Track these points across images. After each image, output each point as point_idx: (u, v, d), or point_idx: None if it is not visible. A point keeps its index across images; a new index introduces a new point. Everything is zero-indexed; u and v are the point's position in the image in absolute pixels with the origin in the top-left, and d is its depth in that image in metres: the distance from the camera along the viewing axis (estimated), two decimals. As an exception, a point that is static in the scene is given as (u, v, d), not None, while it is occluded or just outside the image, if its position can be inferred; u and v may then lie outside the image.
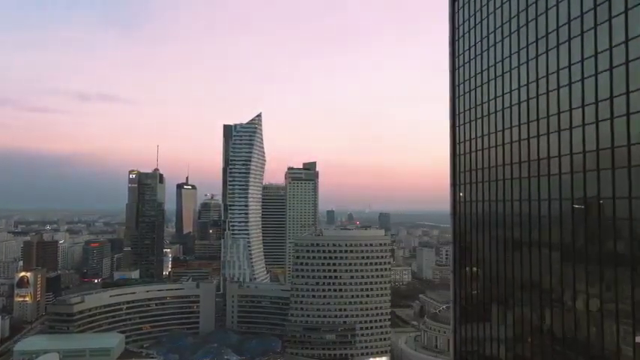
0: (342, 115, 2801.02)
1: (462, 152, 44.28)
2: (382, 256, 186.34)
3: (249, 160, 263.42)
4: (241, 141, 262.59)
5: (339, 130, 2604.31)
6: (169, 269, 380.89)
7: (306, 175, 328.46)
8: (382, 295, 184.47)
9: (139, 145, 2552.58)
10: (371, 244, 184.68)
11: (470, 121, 43.06)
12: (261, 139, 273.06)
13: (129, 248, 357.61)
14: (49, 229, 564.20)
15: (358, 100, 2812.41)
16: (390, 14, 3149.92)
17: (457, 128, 45.24)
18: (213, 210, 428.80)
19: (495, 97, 38.64)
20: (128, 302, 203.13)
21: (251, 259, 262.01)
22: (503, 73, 37.71)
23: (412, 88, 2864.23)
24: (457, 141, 45.20)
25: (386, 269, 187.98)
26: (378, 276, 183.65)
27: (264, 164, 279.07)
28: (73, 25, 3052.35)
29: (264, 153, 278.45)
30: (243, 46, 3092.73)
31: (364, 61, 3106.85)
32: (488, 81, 39.89)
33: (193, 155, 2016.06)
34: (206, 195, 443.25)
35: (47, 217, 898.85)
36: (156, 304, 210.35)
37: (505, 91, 37.58)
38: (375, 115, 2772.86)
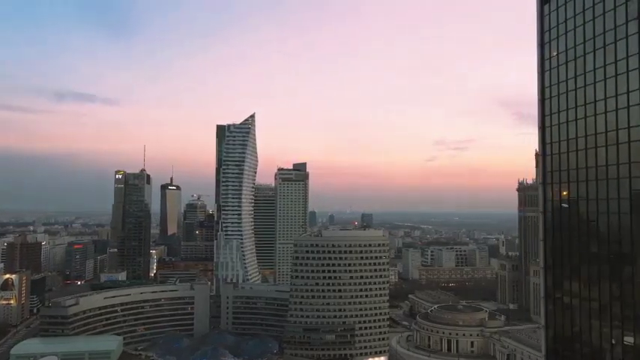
0: (322, 117, 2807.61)
1: (553, 152, 45.75)
2: (381, 257, 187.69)
3: (243, 161, 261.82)
4: (235, 141, 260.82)
5: (318, 132, 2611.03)
6: (154, 271, 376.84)
7: (296, 175, 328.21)
8: (381, 295, 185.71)
9: (119, 145, 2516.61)
10: (370, 245, 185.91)
11: (563, 123, 44.36)
12: (255, 140, 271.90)
13: (115, 249, 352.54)
14: (31, 229, 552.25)
15: (339, 102, 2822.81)
16: (379, 18, 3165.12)
17: (547, 129, 46.71)
18: (200, 211, 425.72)
19: (605, 99, 39.18)
20: (122, 304, 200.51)
21: (244, 260, 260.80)
22: (616, 74, 38.37)
23: (395, 90, 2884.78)
24: (547, 141, 46.72)
25: (384, 269, 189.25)
26: (376, 276, 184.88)
27: (256, 165, 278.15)
28: (47, 23, 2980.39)
29: (256, 154, 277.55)
30: (225, 47, 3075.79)
31: (346, 61, 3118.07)
32: (594, 83, 40.88)
33: (177, 156, 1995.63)
34: (192, 196, 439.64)
35: (21, 219, 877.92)
36: (150, 306, 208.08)
37: (610, 95, 38.52)
38: (355, 116, 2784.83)
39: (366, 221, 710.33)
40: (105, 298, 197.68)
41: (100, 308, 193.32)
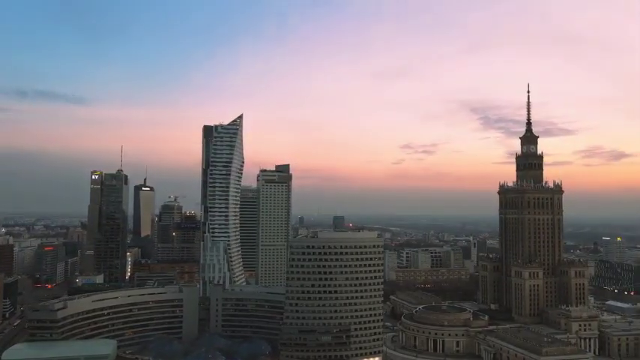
0: (288, 119, 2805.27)
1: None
2: (375, 257, 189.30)
3: (230, 162, 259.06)
4: (222, 142, 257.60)
5: (284, 134, 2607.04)
6: (129, 273, 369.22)
7: (279, 177, 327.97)
8: (375, 295, 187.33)
9: (86, 145, 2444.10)
10: (365, 246, 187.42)
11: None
12: (242, 141, 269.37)
13: (91, 252, 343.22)
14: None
15: (305, 104, 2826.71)
16: (350, 22, 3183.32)
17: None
18: (176, 212, 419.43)
19: None
20: (111, 307, 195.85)
21: (231, 261, 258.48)
22: None
23: (362, 93, 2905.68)
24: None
25: (379, 270, 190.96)
26: (371, 277, 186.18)
27: (242, 166, 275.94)
28: (12, 20, 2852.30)
29: (243, 155, 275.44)
30: (202, 48, 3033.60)
31: (312, 63, 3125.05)
32: None
33: (152, 157, 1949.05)
34: (169, 197, 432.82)
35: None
36: (138, 309, 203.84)
37: None
38: (321, 119, 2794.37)
39: (338, 224, 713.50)
40: (93, 302, 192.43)
41: (87, 312, 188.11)
